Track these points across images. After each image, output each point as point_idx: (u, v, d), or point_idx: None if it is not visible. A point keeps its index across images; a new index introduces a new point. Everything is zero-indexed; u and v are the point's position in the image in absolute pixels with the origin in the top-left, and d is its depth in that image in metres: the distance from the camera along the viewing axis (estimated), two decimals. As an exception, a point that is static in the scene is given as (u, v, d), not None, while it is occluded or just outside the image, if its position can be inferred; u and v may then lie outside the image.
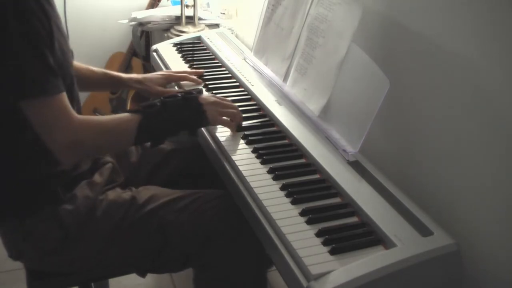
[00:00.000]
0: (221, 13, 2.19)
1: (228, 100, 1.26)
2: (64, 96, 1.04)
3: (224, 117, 1.22)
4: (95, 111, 2.47)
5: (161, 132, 1.15)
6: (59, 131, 1.02)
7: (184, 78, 1.48)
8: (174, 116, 1.15)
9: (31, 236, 1.13)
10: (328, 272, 0.87)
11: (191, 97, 1.19)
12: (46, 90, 1.00)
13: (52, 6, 1.06)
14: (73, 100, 1.14)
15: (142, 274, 1.24)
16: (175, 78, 1.48)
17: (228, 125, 1.24)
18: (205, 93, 1.23)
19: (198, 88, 1.28)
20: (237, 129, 1.25)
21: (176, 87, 1.51)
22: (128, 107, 2.42)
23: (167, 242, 1.16)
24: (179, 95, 1.19)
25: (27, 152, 1.08)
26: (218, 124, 1.24)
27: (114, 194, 1.21)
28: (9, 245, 1.18)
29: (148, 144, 1.17)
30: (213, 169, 1.25)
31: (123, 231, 1.16)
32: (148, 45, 2.51)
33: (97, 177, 1.21)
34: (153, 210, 1.17)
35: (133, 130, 1.10)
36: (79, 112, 1.18)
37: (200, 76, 1.52)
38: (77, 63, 1.37)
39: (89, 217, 1.15)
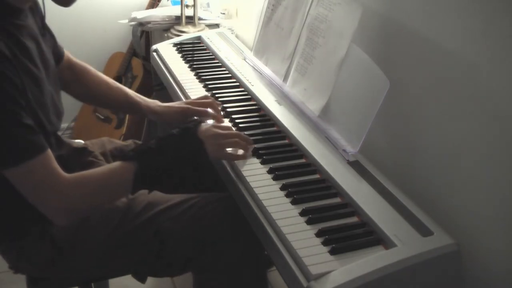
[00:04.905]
0: (221, 13, 2.19)
1: (229, 128, 1.20)
2: (48, 154, 0.97)
3: (227, 150, 1.14)
4: (95, 112, 2.47)
5: (159, 177, 1.07)
6: (49, 198, 0.97)
7: (204, 114, 1.31)
8: (171, 159, 1.07)
9: (24, 255, 1.12)
10: (328, 272, 0.87)
11: (189, 134, 1.11)
12: (28, 155, 0.93)
13: (23, 45, 0.99)
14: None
15: (142, 280, 1.24)
16: (193, 113, 1.32)
17: (232, 157, 1.15)
18: (204, 125, 1.15)
19: (196, 120, 1.18)
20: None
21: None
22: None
23: (165, 248, 1.14)
24: (175, 131, 1.11)
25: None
26: (220, 159, 1.17)
27: None
28: (6, 260, 1.17)
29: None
30: (214, 171, 1.24)
31: (118, 240, 1.14)
32: (148, 45, 2.51)
33: None
34: (149, 218, 1.15)
35: (129, 182, 1.03)
36: (56, 135, 1.14)
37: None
38: (103, 79, 1.34)
39: (82, 229, 1.12)
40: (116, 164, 1.06)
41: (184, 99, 1.47)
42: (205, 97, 1.37)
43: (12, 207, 1.07)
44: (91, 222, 1.13)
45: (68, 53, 1.34)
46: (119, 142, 1.44)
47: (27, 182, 0.96)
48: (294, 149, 1.21)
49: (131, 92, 1.38)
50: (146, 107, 1.35)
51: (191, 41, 1.84)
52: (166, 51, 1.76)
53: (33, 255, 1.12)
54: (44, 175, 0.96)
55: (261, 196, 1.04)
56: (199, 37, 1.85)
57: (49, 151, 0.98)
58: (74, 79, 1.34)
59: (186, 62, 1.67)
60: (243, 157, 1.15)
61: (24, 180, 0.96)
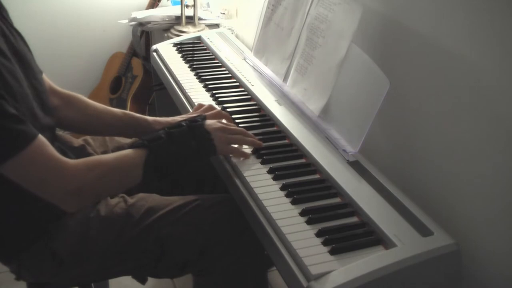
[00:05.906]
0: (221, 13, 2.19)
1: (234, 125, 1.20)
2: (41, 140, 0.93)
3: (232, 145, 1.16)
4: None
5: (169, 166, 1.07)
6: (52, 184, 0.94)
7: (219, 116, 1.28)
8: (181, 148, 1.08)
9: (25, 268, 1.12)
10: (328, 272, 0.87)
11: (197, 125, 1.12)
12: (19, 145, 0.89)
13: None
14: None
15: (142, 281, 1.23)
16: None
17: (237, 153, 1.17)
18: (210, 120, 1.16)
19: (202, 115, 1.19)
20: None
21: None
22: (128, 107, 2.42)
23: (165, 253, 1.14)
24: (184, 123, 1.12)
25: (11, 193, 0.98)
26: (226, 153, 1.17)
27: (105, 208, 1.15)
28: (9, 269, 1.16)
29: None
30: (215, 172, 1.24)
31: (119, 248, 1.13)
32: (148, 45, 2.51)
33: None
34: (149, 225, 1.13)
35: (139, 168, 1.03)
36: (52, 132, 1.11)
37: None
38: (94, 102, 1.29)
39: (82, 241, 1.11)
40: (127, 151, 1.06)
41: (184, 99, 1.47)
42: (210, 107, 1.31)
43: (11, 222, 1.06)
44: (91, 234, 1.12)
45: (48, 80, 1.22)
46: (121, 141, 1.42)
47: (25, 173, 0.93)
48: (294, 149, 1.21)
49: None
50: (153, 121, 1.29)
51: (191, 41, 1.84)
52: (166, 51, 1.76)
53: (34, 268, 1.12)
54: (42, 161, 0.93)
55: (261, 196, 1.04)
56: (199, 37, 1.86)
57: (41, 137, 0.94)
58: (62, 104, 1.25)
59: (186, 62, 1.67)
60: (247, 155, 1.16)
61: (23, 172, 0.92)
